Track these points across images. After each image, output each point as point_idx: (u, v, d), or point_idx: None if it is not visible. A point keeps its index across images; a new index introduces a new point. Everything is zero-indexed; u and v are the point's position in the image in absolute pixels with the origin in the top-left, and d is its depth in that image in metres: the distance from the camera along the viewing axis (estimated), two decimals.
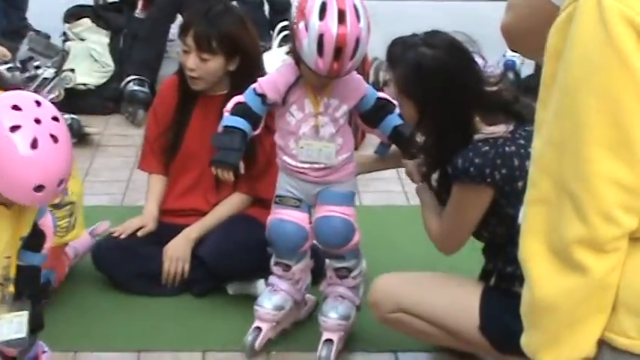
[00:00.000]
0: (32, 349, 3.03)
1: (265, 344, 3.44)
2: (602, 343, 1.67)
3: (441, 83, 2.97)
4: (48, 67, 5.58)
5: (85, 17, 6.06)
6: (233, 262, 3.70)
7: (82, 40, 6.02)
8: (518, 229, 1.69)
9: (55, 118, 2.69)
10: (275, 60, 4.56)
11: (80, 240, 3.85)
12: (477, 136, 2.98)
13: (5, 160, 2.62)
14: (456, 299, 3.15)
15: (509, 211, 2.91)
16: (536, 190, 1.66)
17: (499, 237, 3.04)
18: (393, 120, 3.31)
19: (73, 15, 6.10)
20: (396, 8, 6.32)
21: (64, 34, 6.08)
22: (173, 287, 3.83)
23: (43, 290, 3.13)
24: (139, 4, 6.30)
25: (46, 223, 2.98)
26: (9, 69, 5.36)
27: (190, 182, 3.93)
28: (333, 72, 3.06)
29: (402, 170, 3.40)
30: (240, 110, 3.23)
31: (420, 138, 3.11)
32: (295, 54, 3.15)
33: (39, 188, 2.64)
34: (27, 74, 5.52)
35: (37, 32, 6.25)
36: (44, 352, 3.10)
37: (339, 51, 3.01)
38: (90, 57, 5.97)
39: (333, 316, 3.40)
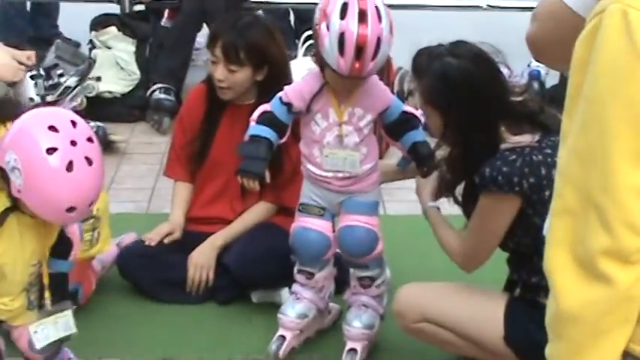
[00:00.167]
0: (58, 356, 3.07)
1: (289, 353, 3.44)
2: (627, 355, 1.66)
3: (466, 93, 2.97)
4: (71, 76, 5.62)
5: (111, 25, 6.08)
6: (257, 271, 3.71)
7: (109, 48, 6.05)
8: (543, 239, 1.69)
9: (90, 139, 2.72)
10: (300, 69, 4.57)
11: (107, 252, 3.86)
12: (503, 146, 2.98)
13: (40, 181, 2.65)
14: (480, 309, 3.15)
15: (536, 220, 2.91)
16: (561, 201, 1.66)
17: (524, 247, 3.03)
18: (415, 136, 3.30)
19: (99, 23, 6.12)
20: (421, 18, 6.31)
21: (91, 42, 6.10)
22: (198, 295, 3.84)
23: (71, 298, 3.15)
24: (166, 13, 6.34)
25: (72, 230, 3.00)
26: (32, 76, 5.40)
27: (216, 190, 3.94)
28: (355, 71, 3.05)
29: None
30: (267, 119, 3.24)
31: (444, 150, 3.11)
32: (318, 58, 3.16)
33: (71, 209, 2.68)
34: (50, 82, 5.56)
35: (68, 40, 6.31)
36: (69, 358, 3.13)
37: (360, 50, 3.01)
38: (116, 65, 6.00)
39: (356, 325, 3.41)
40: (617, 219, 1.58)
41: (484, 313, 3.13)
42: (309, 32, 5.38)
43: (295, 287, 3.46)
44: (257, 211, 3.89)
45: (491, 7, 6.29)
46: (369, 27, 3.01)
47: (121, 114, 5.86)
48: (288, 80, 3.58)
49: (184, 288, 3.83)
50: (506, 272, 3.21)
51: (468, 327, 3.15)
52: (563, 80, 1.74)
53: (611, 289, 1.61)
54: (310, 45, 5.45)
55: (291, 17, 6.96)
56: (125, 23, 6.12)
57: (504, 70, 3.08)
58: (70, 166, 2.64)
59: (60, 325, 2.95)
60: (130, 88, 5.99)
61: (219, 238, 3.86)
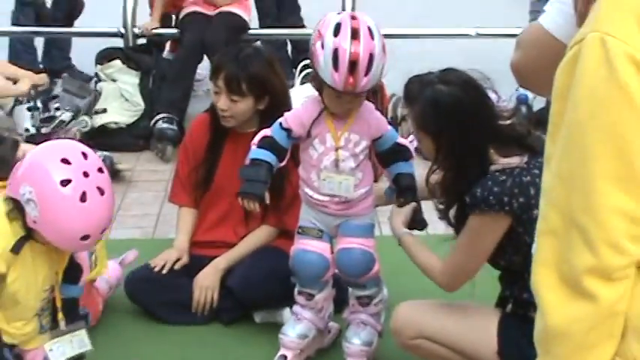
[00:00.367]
0: None
1: None
2: None
3: (456, 119, 2.99)
4: (67, 111, 5.68)
5: (116, 59, 6.12)
6: (260, 292, 3.72)
7: (114, 80, 6.08)
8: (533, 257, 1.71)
9: (101, 170, 2.74)
10: (298, 96, 4.59)
11: (110, 273, 3.86)
12: (493, 167, 2.99)
13: (55, 212, 2.67)
14: (474, 326, 3.15)
15: (526, 238, 2.92)
16: (546, 222, 1.67)
17: (516, 265, 3.03)
18: (401, 167, 3.34)
19: (104, 57, 6.16)
20: (414, 47, 6.34)
21: (97, 75, 6.14)
22: (203, 316, 3.85)
23: (83, 319, 3.17)
24: (167, 46, 6.37)
25: (82, 256, 3.02)
26: (29, 108, 5.46)
27: (220, 215, 3.95)
28: (349, 85, 3.07)
29: (421, 203, 3.41)
30: (267, 143, 3.26)
31: (438, 174, 3.12)
32: (317, 82, 3.19)
33: (85, 237, 2.70)
34: (47, 114, 5.61)
35: (80, 72, 6.34)
36: None
37: (353, 65, 3.04)
38: (121, 97, 6.03)
39: (356, 342, 3.42)
40: (600, 239, 1.59)
41: (478, 329, 3.13)
42: (306, 62, 5.43)
43: (296, 308, 3.47)
44: (259, 235, 3.90)
45: (480, 35, 6.32)
46: (362, 43, 3.05)
47: (127, 143, 5.89)
48: (288, 108, 3.60)
49: (190, 309, 3.84)
50: (498, 289, 3.21)
51: (463, 343, 3.15)
52: (550, 104, 1.74)
53: (596, 305, 1.62)
54: (307, 74, 5.48)
55: (289, 48, 6.99)
56: (129, 56, 6.15)
57: (492, 96, 3.09)
58: (83, 197, 2.66)
59: (75, 342, 2.96)
60: (135, 118, 6.02)
61: (222, 261, 3.87)
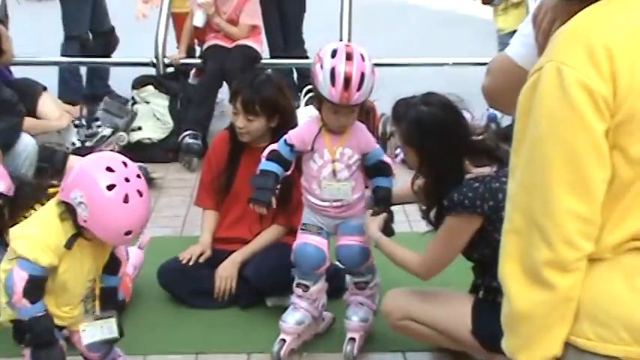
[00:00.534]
0: (111, 354, 3.07)
1: (289, 353, 3.43)
2: (568, 345, 1.68)
3: (437, 135, 2.99)
4: (107, 127, 5.70)
5: (149, 84, 6.13)
6: (271, 280, 3.72)
7: (147, 102, 6.08)
8: None
9: (139, 176, 2.75)
10: (302, 116, 4.59)
11: (133, 256, 3.83)
12: (468, 176, 2.99)
13: (102, 212, 2.68)
14: (452, 309, 3.15)
15: (495, 235, 2.89)
16: (510, 223, 1.68)
17: (486, 257, 3.03)
18: (381, 181, 3.33)
19: (139, 83, 6.17)
20: (401, 73, 6.33)
21: (133, 98, 6.15)
22: (223, 301, 3.85)
23: (120, 306, 3.17)
24: (192, 73, 6.37)
25: (120, 251, 3.02)
26: (76, 125, 5.51)
27: (237, 216, 3.95)
28: (344, 99, 3.09)
29: (406, 205, 3.40)
30: (274, 156, 3.27)
31: (420, 180, 3.12)
32: (317, 101, 3.20)
33: (128, 233, 2.71)
34: (90, 131, 5.64)
35: (118, 97, 6.35)
36: (120, 356, 3.13)
37: (347, 81, 3.06)
38: (154, 116, 6.03)
39: (355, 319, 3.43)
40: (557, 236, 1.59)
41: (455, 312, 3.13)
42: (310, 87, 5.43)
43: (293, 298, 3.46)
44: (270, 233, 3.90)
45: (456, 64, 6.37)
46: (354, 64, 3.08)
47: (159, 156, 5.88)
48: (294, 125, 3.60)
49: (213, 295, 3.84)
50: (471, 278, 3.21)
51: (443, 324, 3.15)
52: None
53: (554, 292, 1.62)
54: (310, 97, 5.49)
55: (295, 75, 7.00)
56: (160, 82, 6.15)
57: (467, 115, 3.09)
58: (126, 199, 2.67)
59: (105, 328, 2.96)
60: (165, 135, 6.02)
61: (239, 255, 3.87)
